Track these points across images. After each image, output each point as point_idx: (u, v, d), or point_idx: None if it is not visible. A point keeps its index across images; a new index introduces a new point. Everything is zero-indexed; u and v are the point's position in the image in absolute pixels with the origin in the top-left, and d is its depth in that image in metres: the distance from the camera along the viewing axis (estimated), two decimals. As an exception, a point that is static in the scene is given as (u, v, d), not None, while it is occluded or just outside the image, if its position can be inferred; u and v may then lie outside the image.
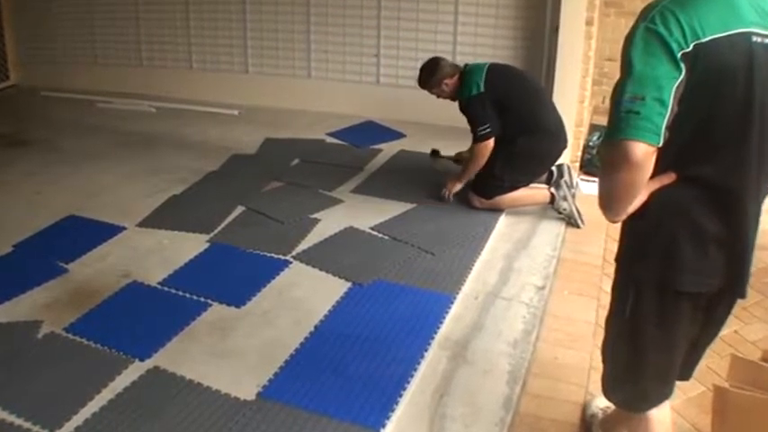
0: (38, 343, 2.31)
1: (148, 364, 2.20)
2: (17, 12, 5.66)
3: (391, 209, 3.32)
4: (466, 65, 3.35)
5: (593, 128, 4.23)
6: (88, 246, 2.96)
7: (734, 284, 1.47)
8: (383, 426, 1.95)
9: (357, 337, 2.34)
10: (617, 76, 1.33)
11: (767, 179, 1.42)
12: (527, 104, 3.26)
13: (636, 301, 1.53)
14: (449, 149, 3.85)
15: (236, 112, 4.97)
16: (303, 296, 2.61)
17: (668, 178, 1.40)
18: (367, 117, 4.73)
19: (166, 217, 3.27)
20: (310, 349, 2.29)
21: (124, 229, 3.15)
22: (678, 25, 1.26)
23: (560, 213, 3.31)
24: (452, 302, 2.57)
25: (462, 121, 3.26)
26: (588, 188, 3.69)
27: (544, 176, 3.38)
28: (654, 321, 1.52)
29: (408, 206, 3.36)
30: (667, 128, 1.28)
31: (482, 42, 4.43)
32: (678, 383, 1.69)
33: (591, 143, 4.06)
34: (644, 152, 1.27)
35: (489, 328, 2.44)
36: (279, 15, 4.90)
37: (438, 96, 3.40)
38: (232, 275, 2.76)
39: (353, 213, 3.29)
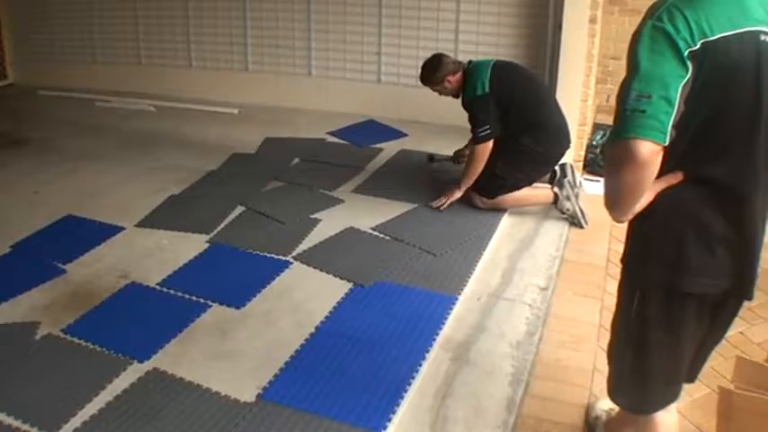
0: (35, 345, 2.30)
1: (147, 365, 2.19)
2: (15, 9, 5.64)
3: (392, 209, 3.30)
4: (470, 61, 3.32)
5: (597, 127, 4.20)
6: (86, 246, 2.95)
7: (741, 286, 1.46)
8: (384, 428, 1.93)
9: (358, 339, 2.32)
10: (621, 74, 1.32)
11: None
12: (531, 103, 3.24)
13: (642, 302, 1.52)
14: (450, 148, 3.82)
15: (235, 111, 4.95)
16: (304, 297, 2.59)
17: (675, 178, 1.39)
18: (368, 116, 4.70)
19: (165, 217, 3.25)
20: (311, 351, 2.27)
21: (123, 229, 3.13)
22: (685, 23, 1.25)
23: (564, 213, 3.29)
24: (454, 303, 2.55)
25: (464, 121, 3.24)
26: (592, 188, 3.67)
27: (547, 176, 3.35)
28: (660, 323, 1.51)
29: (410, 206, 3.33)
30: (674, 127, 1.27)
31: (484, 41, 4.40)
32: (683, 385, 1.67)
33: (594, 142, 4.03)
34: (650, 151, 1.26)
35: (492, 330, 2.43)
36: (279, 12, 4.88)
37: (440, 94, 3.37)
38: (232, 276, 2.74)
39: (354, 213, 3.27)
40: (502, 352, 2.31)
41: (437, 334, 2.36)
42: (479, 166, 3.18)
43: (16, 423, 1.93)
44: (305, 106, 4.87)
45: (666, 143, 1.26)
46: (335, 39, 4.78)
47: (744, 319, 2.57)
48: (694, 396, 2.17)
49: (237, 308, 2.52)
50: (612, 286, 1.63)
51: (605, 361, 1.74)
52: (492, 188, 3.23)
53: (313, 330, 2.37)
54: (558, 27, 3.84)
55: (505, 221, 3.24)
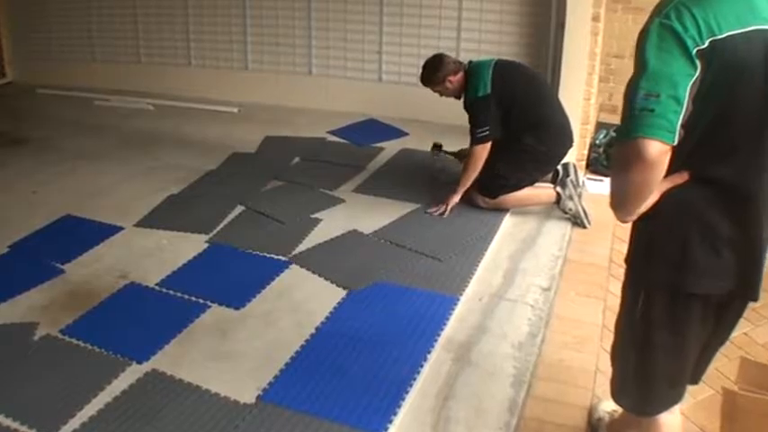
0: (34, 345, 2.28)
1: (146, 366, 2.17)
2: (13, 7, 5.63)
3: (393, 209, 3.28)
4: (470, 61, 3.30)
5: (600, 126, 4.19)
6: (85, 246, 2.93)
7: (746, 287, 1.45)
8: (385, 429, 1.92)
9: (359, 340, 2.30)
10: (624, 73, 1.31)
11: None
12: (533, 102, 3.22)
13: (646, 302, 1.51)
14: (451, 147, 3.80)
15: (235, 110, 4.93)
16: (304, 297, 2.58)
17: (680, 178, 1.38)
18: (369, 115, 4.69)
19: (165, 217, 3.24)
20: (311, 351, 2.25)
21: (122, 229, 3.12)
22: (693, 21, 1.24)
23: (566, 213, 3.27)
24: (456, 304, 2.53)
25: (466, 120, 3.22)
26: (595, 187, 3.65)
27: (550, 175, 3.33)
28: (664, 324, 1.50)
29: (411, 206, 3.32)
30: (682, 126, 1.25)
31: (486, 39, 4.39)
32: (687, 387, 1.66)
33: (597, 141, 4.01)
34: (659, 151, 1.24)
35: (494, 330, 2.41)
36: (279, 10, 4.87)
37: (441, 94, 3.35)
38: (232, 276, 2.73)
39: (355, 213, 3.25)
40: (504, 353, 2.29)
41: (438, 335, 2.34)
42: (477, 167, 3.16)
43: (15, 424, 1.92)
44: (305, 105, 4.86)
45: (675, 143, 1.25)
46: (336, 37, 4.77)
47: (748, 320, 2.55)
48: (698, 397, 2.16)
49: (237, 308, 2.50)
50: (616, 287, 1.62)
51: (608, 362, 1.73)
52: (494, 188, 3.22)
53: (313, 331, 2.35)
54: (561, 25, 3.82)
55: (507, 221, 3.22)
